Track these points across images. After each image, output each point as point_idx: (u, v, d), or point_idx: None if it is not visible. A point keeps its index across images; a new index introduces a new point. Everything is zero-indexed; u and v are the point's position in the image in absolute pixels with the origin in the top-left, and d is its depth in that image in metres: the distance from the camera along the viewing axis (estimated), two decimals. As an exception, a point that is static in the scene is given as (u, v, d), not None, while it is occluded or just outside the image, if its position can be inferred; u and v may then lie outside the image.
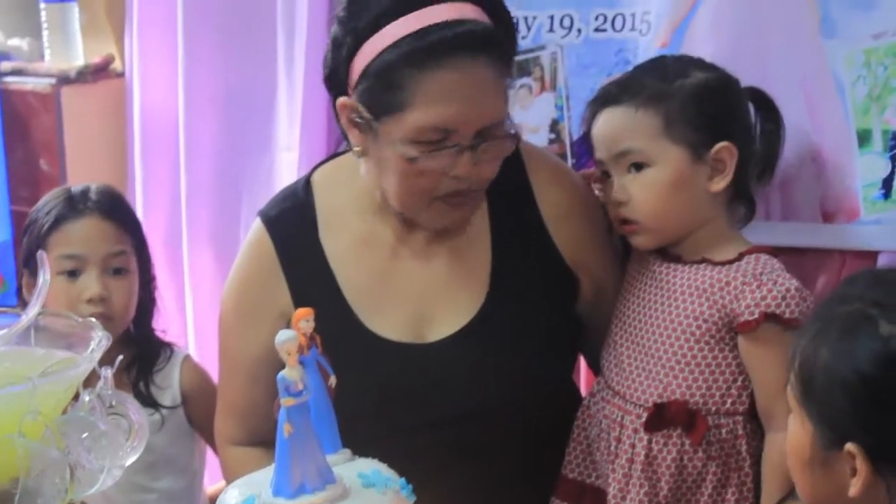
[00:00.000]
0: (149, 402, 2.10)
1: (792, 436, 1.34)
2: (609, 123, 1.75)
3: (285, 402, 1.26)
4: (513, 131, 1.73)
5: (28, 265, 2.06)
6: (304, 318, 1.33)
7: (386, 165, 1.73)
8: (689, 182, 1.72)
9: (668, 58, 1.83)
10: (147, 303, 2.15)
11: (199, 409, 2.13)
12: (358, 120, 1.72)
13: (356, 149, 1.76)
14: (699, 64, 1.77)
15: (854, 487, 1.25)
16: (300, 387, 1.26)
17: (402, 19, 1.67)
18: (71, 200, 2.07)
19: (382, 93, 1.68)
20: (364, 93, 1.70)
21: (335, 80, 1.76)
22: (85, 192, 2.09)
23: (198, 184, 2.67)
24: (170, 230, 2.73)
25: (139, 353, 2.14)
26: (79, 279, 2.03)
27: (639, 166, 1.72)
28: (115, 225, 2.08)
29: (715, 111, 1.73)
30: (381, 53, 1.67)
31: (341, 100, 1.74)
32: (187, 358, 2.21)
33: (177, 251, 2.72)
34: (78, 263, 2.04)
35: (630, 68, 1.96)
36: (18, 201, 2.98)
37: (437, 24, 1.66)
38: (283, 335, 1.26)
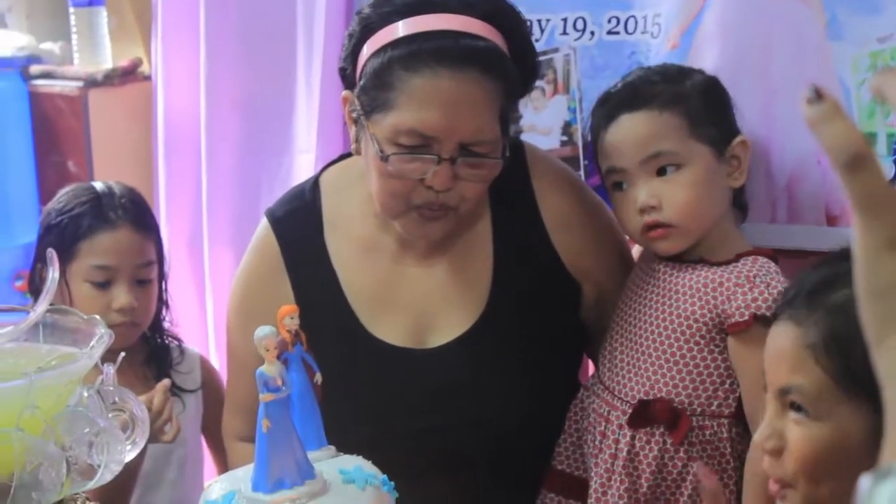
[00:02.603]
0: (175, 392, 2.12)
1: (825, 440, 1.23)
2: (632, 129, 1.73)
3: (264, 397, 1.28)
4: (499, 156, 1.72)
5: (45, 261, 2.10)
6: (289, 315, 1.35)
7: (369, 163, 1.75)
8: (717, 180, 1.72)
9: (654, 66, 1.84)
10: (161, 302, 2.19)
11: (208, 407, 2.16)
12: (353, 115, 1.74)
13: (353, 144, 1.78)
14: (687, 67, 1.79)
15: None
16: (279, 382, 1.28)
17: (409, 20, 1.69)
18: (100, 206, 2.09)
19: (374, 90, 1.69)
20: (360, 89, 1.72)
21: (345, 74, 1.79)
22: (112, 196, 2.11)
23: (218, 185, 2.70)
24: (192, 230, 2.77)
25: (154, 349, 2.18)
26: (109, 290, 2.07)
27: (668, 169, 1.70)
28: (144, 236, 2.12)
29: (724, 108, 1.74)
30: (379, 50, 1.69)
31: (344, 92, 1.77)
32: (202, 357, 2.26)
33: (198, 251, 2.75)
34: (109, 275, 2.08)
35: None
36: (48, 202, 3.02)
37: (438, 32, 1.68)
38: (261, 331, 1.28)
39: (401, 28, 1.69)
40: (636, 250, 1.93)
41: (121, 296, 2.06)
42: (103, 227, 2.08)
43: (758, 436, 1.30)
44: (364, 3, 1.83)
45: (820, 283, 1.31)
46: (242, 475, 1.34)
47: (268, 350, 1.28)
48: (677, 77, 1.74)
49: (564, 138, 2.25)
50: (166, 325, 2.23)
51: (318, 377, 1.39)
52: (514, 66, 1.73)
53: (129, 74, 2.98)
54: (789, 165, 1.90)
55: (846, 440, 1.22)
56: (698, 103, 1.71)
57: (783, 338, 1.32)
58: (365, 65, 1.71)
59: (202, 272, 2.73)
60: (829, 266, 1.32)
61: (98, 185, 2.15)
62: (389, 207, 1.76)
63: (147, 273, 2.11)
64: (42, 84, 3.00)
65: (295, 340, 1.35)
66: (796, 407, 1.26)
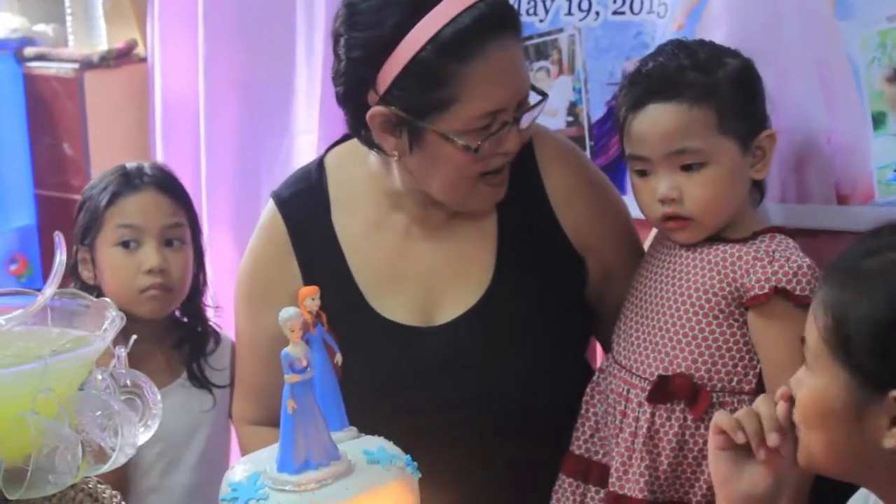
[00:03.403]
0: (202, 382, 2.11)
1: (815, 391, 1.32)
2: (659, 122, 1.70)
3: (289, 378, 1.27)
4: (542, 97, 1.77)
5: (83, 242, 2.09)
6: (310, 296, 1.34)
7: (438, 162, 1.74)
8: (740, 174, 1.71)
9: (690, 43, 1.78)
10: (199, 279, 2.16)
11: None
12: (392, 126, 1.72)
13: (393, 154, 1.76)
14: (722, 48, 1.74)
15: (893, 438, 1.24)
16: (304, 363, 1.28)
17: (422, 21, 1.68)
18: (126, 176, 2.09)
19: (425, 92, 1.68)
20: (401, 97, 1.70)
21: (354, 97, 1.76)
22: (140, 169, 2.11)
23: (218, 167, 2.69)
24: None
25: (188, 332, 2.15)
26: (137, 251, 2.05)
27: (692, 165, 1.69)
28: (170, 198, 2.10)
29: (754, 99, 1.72)
30: (414, 57, 1.68)
31: (374, 109, 1.72)
32: (234, 344, 2.23)
33: (198, 233, 2.74)
34: (135, 234, 2.05)
35: (648, 51, 1.96)
36: (43, 185, 3.02)
37: (456, 17, 1.67)
38: (286, 312, 1.27)
39: (422, 31, 1.67)
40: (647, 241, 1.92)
41: (149, 256, 2.04)
42: (127, 192, 2.07)
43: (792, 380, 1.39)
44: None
45: (842, 255, 1.36)
46: (266, 457, 1.34)
47: (292, 331, 1.27)
48: (710, 63, 1.70)
49: (570, 119, 2.25)
50: (208, 310, 2.19)
51: (339, 358, 1.39)
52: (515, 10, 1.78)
53: (124, 56, 2.97)
54: (798, 145, 1.90)
55: (828, 399, 1.30)
56: (729, 96, 1.68)
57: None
58: (398, 76, 1.69)
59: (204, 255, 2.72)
60: (863, 240, 1.36)
61: (129, 164, 2.14)
62: (461, 192, 1.78)
63: (176, 233, 2.08)
64: (37, 66, 2.98)
65: (316, 321, 1.34)
66: (804, 359, 1.37)
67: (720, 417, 1.46)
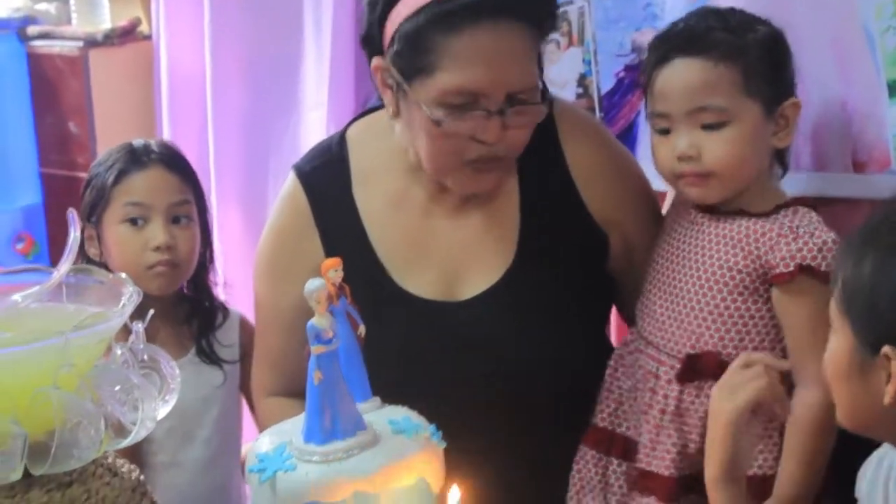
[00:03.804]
0: (212, 358, 2.12)
1: (831, 351, 1.36)
2: (685, 77, 1.68)
3: (315, 349, 1.27)
4: (544, 98, 1.72)
5: (90, 219, 2.08)
6: (333, 268, 1.34)
7: (416, 127, 1.74)
8: (762, 138, 1.69)
9: (722, 9, 1.76)
10: (206, 256, 2.16)
11: (247, 365, 2.15)
12: (389, 82, 1.73)
13: (389, 110, 1.77)
14: (754, 17, 1.72)
15: (888, 395, 1.26)
16: (330, 334, 1.28)
17: None
18: (133, 154, 2.09)
19: (412, 56, 1.68)
20: (395, 55, 1.70)
21: (370, 41, 1.77)
22: (147, 146, 2.11)
23: (226, 144, 2.69)
24: (198, 190, 2.76)
25: (196, 308, 2.15)
26: (145, 228, 2.05)
27: (715, 125, 1.67)
28: (177, 175, 2.10)
29: (782, 65, 1.70)
30: (410, 16, 1.68)
31: (375, 61, 1.75)
32: (243, 318, 2.23)
33: (206, 209, 2.74)
34: (143, 211, 2.05)
35: (658, 22, 1.95)
36: (48, 164, 3.02)
37: None
38: (312, 284, 1.27)
39: None
40: (665, 205, 1.92)
41: (157, 233, 2.04)
42: (134, 169, 2.07)
43: None
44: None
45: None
46: (290, 428, 1.34)
47: (318, 303, 1.27)
48: (741, 27, 1.69)
49: (580, 91, 2.24)
50: (215, 286, 2.19)
51: (362, 329, 1.39)
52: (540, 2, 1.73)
53: (128, 34, 2.96)
54: (814, 113, 1.90)
55: (841, 359, 1.35)
56: (757, 59, 1.66)
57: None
58: (396, 31, 1.69)
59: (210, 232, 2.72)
60: (881, 207, 1.40)
61: (136, 141, 2.13)
62: (442, 167, 1.76)
63: (183, 210, 2.08)
64: (40, 45, 2.97)
65: (339, 293, 1.34)
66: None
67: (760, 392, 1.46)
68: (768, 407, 1.49)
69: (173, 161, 2.11)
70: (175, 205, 2.08)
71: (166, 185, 2.08)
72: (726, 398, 1.47)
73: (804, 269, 1.62)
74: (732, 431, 1.46)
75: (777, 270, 1.64)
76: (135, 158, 2.08)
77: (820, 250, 1.62)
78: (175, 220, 2.07)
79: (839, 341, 1.34)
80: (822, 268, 1.62)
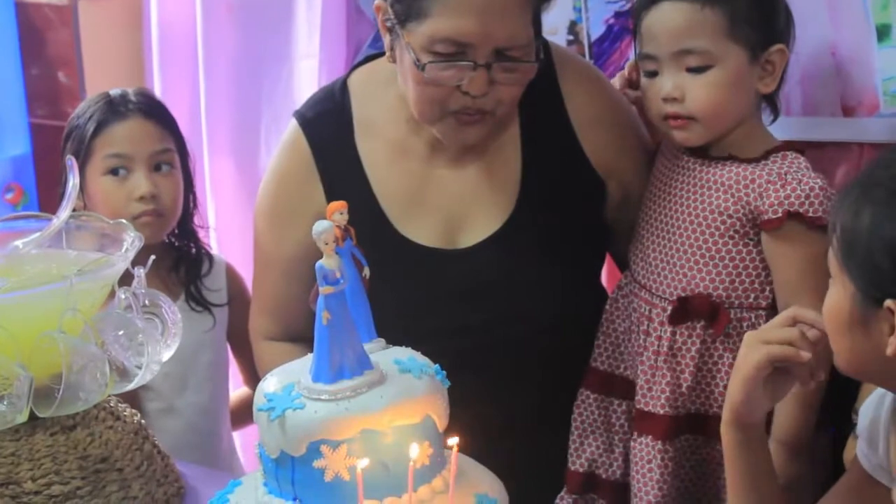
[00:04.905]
0: (201, 302, 2.15)
1: (831, 301, 1.36)
2: (671, 19, 1.71)
3: (324, 290, 1.28)
4: (534, 59, 1.73)
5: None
6: (339, 211, 1.35)
7: (404, 72, 1.75)
8: (746, 82, 1.71)
9: None
10: (189, 202, 2.18)
11: (235, 316, 2.17)
12: (387, 23, 1.74)
13: (387, 52, 1.78)
14: None
15: (891, 346, 1.27)
16: (338, 275, 1.29)
17: None
18: (111, 104, 2.10)
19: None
20: None
21: None
22: (124, 96, 2.12)
23: (217, 93, 2.68)
24: (190, 140, 2.71)
25: (183, 254, 2.18)
26: (128, 179, 2.07)
27: (700, 68, 1.70)
28: (157, 124, 2.11)
29: (772, 12, 1.72)
30: None
31: (377, 1, 1.76)
32: (229, 264, 2.26)
33: (198, 160, 2.71)
34: (125, 162, 2.07)
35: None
36: (37, 114, 3.01)
37: None
38: (321, 225, 1.29)
39: None
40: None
41: (140, 183, 2.06)
42: (114, 120, 2.08)
43: None
44: None
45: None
46: (298, 368, 1.35)
47: (326, 244, 1.28)
48: None
49: (570, 38, 2.25)
50: (199, 231, 2.22)
51: (367, 271, 1.40)
52: None
53: (117, -17, 2.94)
54: (802, 58, 1.91)
55: (841, 309, 1.34)
56: (745, 4, 1.68)
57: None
58: None
59: (203, 182, 2.72)
60: (882, 154, 1.40)
61: (112, 91, 2.14)
62: (426, 114, 1.77)
63: (165, 158, 2.10)
64: (28, -5, 2.96)
65: (345, 235, 1.35)
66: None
67: (774, 350, 1.45)
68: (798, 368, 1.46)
69: (152, 110, 2.12)
70: (156, 153, 2.09)
71: (146, 134, 2.09)
72: (752, 348, 1.45)
73: (792, 216, 1.65)
74: (746, 380, 1.44)
75: (766, 217, 1.67)
76: (113, 109, 2.09)
77: (808, 196, 1.64)
78: (157, 168, 2.09)
79: (839, 292, 1.34)
80: (810, 214, 1.64)
